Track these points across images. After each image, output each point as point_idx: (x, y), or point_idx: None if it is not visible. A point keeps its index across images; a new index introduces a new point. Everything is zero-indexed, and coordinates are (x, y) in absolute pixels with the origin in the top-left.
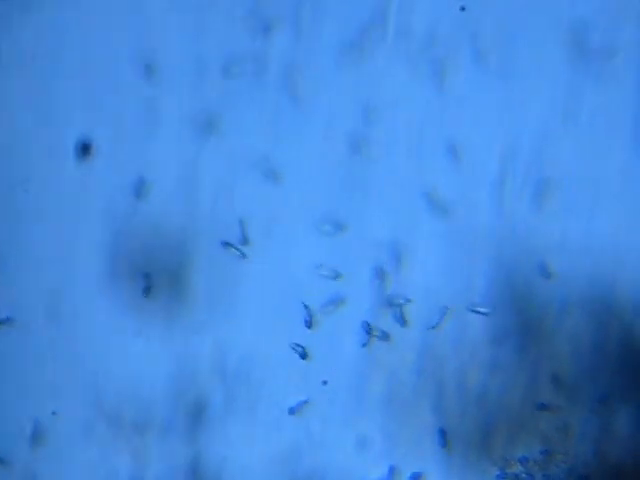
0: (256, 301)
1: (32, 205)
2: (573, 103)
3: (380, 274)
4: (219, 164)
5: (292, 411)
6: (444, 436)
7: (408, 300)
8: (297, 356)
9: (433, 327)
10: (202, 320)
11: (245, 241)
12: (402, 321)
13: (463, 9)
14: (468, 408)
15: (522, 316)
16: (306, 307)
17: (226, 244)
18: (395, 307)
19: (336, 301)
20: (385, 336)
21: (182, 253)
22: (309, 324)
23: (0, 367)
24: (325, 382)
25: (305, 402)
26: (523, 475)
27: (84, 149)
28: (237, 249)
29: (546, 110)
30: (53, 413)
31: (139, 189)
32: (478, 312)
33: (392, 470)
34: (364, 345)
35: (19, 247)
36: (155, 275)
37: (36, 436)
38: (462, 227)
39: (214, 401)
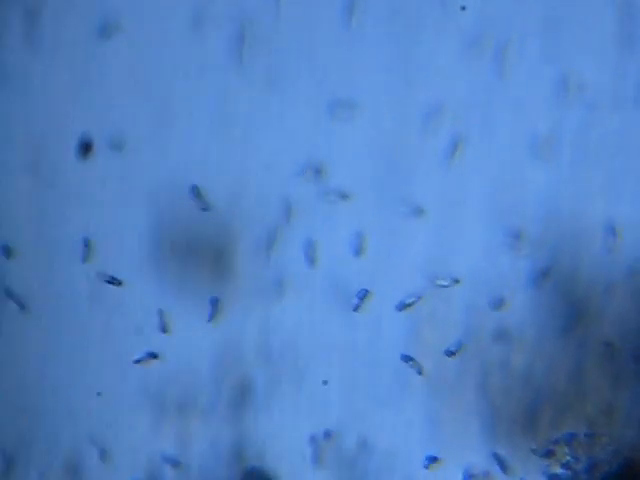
0: (301, 282)
1: (77, 190)
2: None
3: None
4: (265, 145)
5: (336, 391)
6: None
7: (456, 281)
8: (341, 337)
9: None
10: (247, 302)
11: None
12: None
13: (464, 8)
14: (513, 389)
15: (568, 296)
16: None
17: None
18: (440, 288)
19: (379, 280)
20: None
21: (228, 235)
22: (356, 307)
23: (46, 348)
24: (325, 382)
25: (350, 382)
26: (568, 457)
27: (85, 148)
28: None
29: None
30: (98, 394)
31: (182, 171)
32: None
33: (436, 450)
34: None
35: (66, 231)
36: (201, 257)
37: (82, 417)
38: (507, 209)
39: (258, 382)
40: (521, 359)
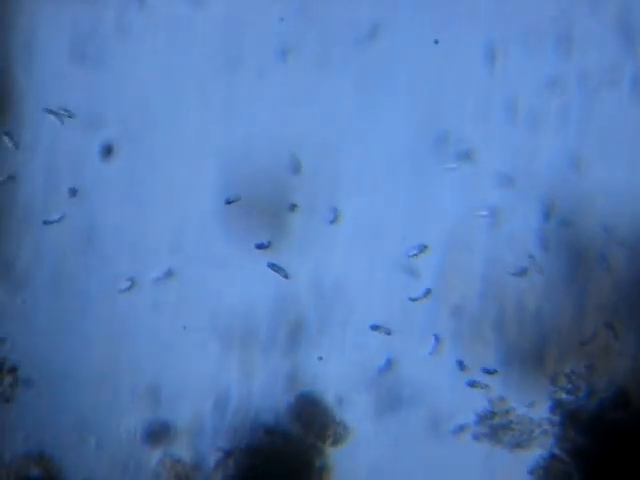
0: (350, 232)
1: (159, 153)
2: None
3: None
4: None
5: (375, 329)
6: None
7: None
8: (384, 282)
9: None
10: (302, 249)
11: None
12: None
13: (436, 42)
14: (525, 329)
15: (571, 252)
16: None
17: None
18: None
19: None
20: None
21: (285, 189)
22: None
23: (134, 287)
24: (320, 357)
25: (388, 322)
26: (570, 386)
27: (107, 151)
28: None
29: None
30: (184, 328)
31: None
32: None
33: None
34: None
35: (149, 190)
36: (262, 212)
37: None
38: (520, 177)
39: (310, 320)
40: (532, 302)
